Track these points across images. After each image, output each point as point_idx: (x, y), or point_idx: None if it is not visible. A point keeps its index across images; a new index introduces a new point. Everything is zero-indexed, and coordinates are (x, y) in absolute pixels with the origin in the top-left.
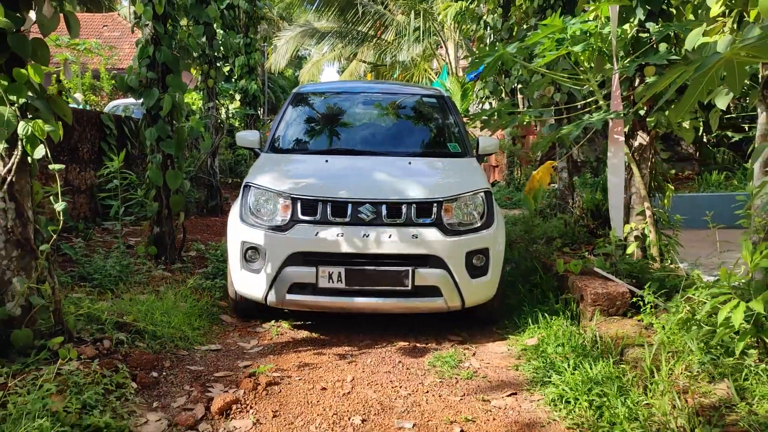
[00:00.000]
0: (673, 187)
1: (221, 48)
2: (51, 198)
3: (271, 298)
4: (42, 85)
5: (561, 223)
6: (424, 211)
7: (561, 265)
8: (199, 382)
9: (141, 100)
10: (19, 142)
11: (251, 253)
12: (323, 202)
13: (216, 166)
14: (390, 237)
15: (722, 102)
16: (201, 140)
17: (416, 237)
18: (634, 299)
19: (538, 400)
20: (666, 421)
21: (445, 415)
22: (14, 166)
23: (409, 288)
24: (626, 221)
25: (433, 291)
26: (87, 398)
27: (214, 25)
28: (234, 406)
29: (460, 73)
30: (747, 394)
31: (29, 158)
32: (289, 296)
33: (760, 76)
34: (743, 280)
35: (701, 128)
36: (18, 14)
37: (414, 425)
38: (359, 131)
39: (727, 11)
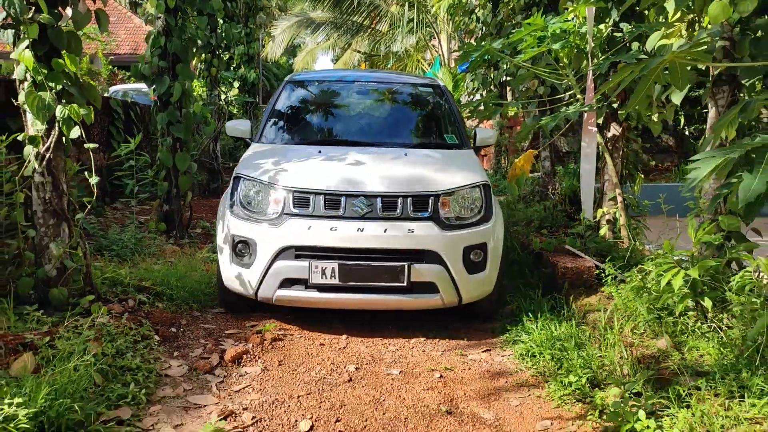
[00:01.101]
0: (642, 176)
1: (223, 38)
2: (86, 173)
3: (262, 293)
4: (76, 74)
5: (541, 208)
6: (421, 205)
7: (537, 244)
8: (213, 337)
9: (139, 86)
10: (57, 124)
11: (241, 247)
12: (316, 195)
13: (218, 151)
14: (385, 231)
15: (676, 98)
16: (204, 126)
17: (412, 231)
18: (598, 272)
19: (509, 355)
20: (613, 369)
21: (427, 365)
22: (52, 145)
23: (405, 284)
24: (599, 206)
25: (430, 287)
26: (119, 345)
27: (217, 16)
28: (244, 356)
29: (452, 65)
30: (682, 346)
31: (64, 138)
32: (280, 292)
33: (711, 75)
34: (687, 255)
35: (682, 122)
36: (56, 11)
37: (400, 372)
38: (354, 121)
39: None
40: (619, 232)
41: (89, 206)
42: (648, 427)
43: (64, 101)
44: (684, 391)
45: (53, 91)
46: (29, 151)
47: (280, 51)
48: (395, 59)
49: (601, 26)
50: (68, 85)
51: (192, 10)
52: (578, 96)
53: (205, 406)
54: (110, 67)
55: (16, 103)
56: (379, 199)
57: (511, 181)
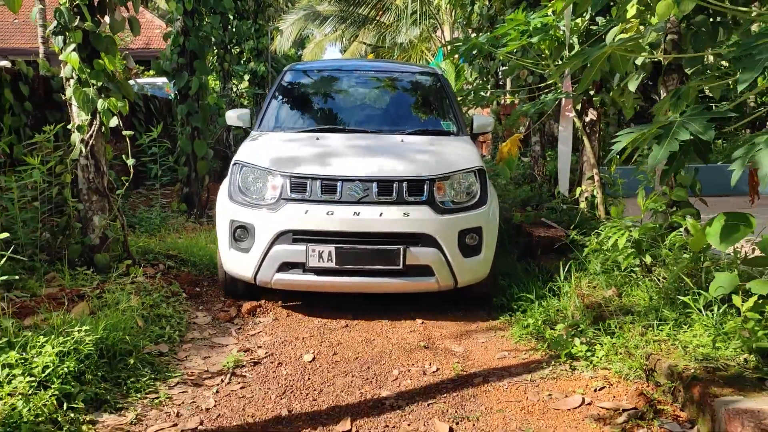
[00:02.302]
0: (618, 157)
1: (234, 34)
2: (123, 156)
3: (261, 277)
4: (113, 72)
5: (528, 189)
6: (416, 189)
7: (517, 217)
8: (230, 296)
9: (153, 80)
10: (98, 115)
11: (240, 232)
12: (313, 180)
13: (231, 140)
14: (381, 215)
15: (632, 85)
16: (218, 116)
17: (407, 215)
18: (570, 239)
19: (484, 308)
20: (566, 314)
21: (411, 315)
22: (94, 132)
23: (401, 267)
24: (578, 185)
25: (425, 270)
26: (155, 298)
27: (228, 14)
28: (258, 309)
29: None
30: (625, 295)
31: (104, 127)
32: (278, 275)
33: (663, 65)
34: (636, 219)
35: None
36: (96, 19)
37: (389, 320)
38: (352, 109)
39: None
40: (596, 208)
41: (126, 184)
42: (581, 351)
43: (103, 95)
44: (614, 326)
45: (95, 86)
46: (76, 137)
47: (288, 44)
48: (400, 50)
49: (578, 20)
50: (107, 81)
51: (207, 10)
52: (558, 84)
53: (226, 345)
54: (124, 62)
55: (64, 98)
56: (374, 184)
57: (500, 164)
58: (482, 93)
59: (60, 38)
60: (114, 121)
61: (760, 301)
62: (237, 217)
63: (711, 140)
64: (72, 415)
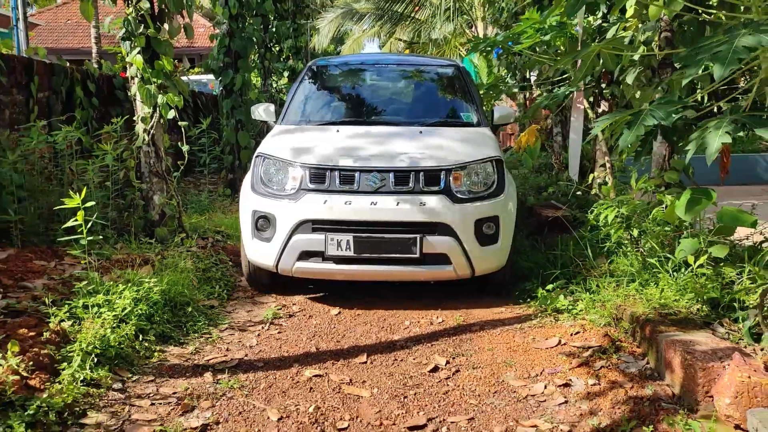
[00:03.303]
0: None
1: (274, 33)
2: (178, 144)
3: (282, 265)
4: (170, 71)
5: (546, 177)
6: (432, 179)
7: (530, 200)
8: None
9: (198, 77)
10: (158, 109)
11: (262, 222)
12: (331, 171)
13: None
14: (398, 204)
15: (629, 78)
16: None
17: (424, 204)
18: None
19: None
20: (559, 277)
21: (424, 283)
22: (155, 124)
23: (417, 256)
24: (592, 171)
25: (442, 259)
26: (206, 264)
27: (269, 16)
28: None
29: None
30: (613, 264)
31: (162, 119)
32: (298, 264)
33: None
34: (628, 198)
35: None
36: (157, 25)
37: (403, 285)
38: (372, 102)
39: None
40: (608, 193)
41: (182, 167)
42: (564, 305)
43: (162, 92)
44: (594, 285)
45: (155, 84)
46: (139, 128)
47: (326, 41)
48: (434, 46)
49: (590, 18)
50: (165, 79)
51: (250, 14)
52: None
53: (266, 302)
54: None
55: (130, 95)
56: (391, 174)
57: (519, 154)
58: (501, 86)
59: (127, 43)
60: (171, 114)
61: (721, 265)
62: (259, 207)
63: (670, 125)
64: (146, 344)
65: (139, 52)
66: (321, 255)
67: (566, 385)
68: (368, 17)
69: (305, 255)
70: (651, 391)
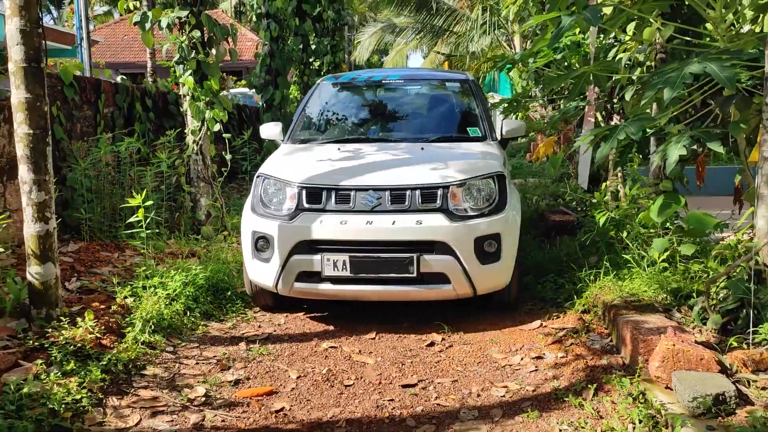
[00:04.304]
0: (641, 156)
1: (313, 51)
2: (222, 153)
3: (281, 286)
4: (216, 90)
5: (564, 186)
6: (430, 197)
7: (542, 206)
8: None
9: (244, 90)
10: (205, 122)
11: (261, 243)
12: (327, 190)
13: None
14: (393, 223)
15: (628, 95)
16: None
17: (420, 223)
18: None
19: None
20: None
21: None
22: (203, 135)
23: (415, 275)
24: (604, 180)
25: (441, 278)
26: None
27: (308, 36)
28: None
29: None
30: (601, 261)
31: (209, 131)
32: (296, 285)
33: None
34: (622, 204)
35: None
36: (206, 51)
37: None
38: (376, 119)
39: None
40: (620, 201)
41: (225, 173)
42: (551, 295)
43: (209, 108)
44: (578, 279)
45: (204, 101)
46: (190, 139)
47: (367, 54)
48: (472, 59)
49: (601, 36)
50: (212, 97)
51: (290, 35)
52: (586, 93)
53: None
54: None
55: (182, 110)
56: (387, 192)
57: (537, 164)
58: (522, 100)
59: (180, 66)
60: (217, 127)
61: (690, 263)
62: (258, 228)
63: (639, 139)
64: (192, 319)
65: (190, 74)
66: (318, 275)
67: (539, 357)
68: (407, 31)
69: (303, 276)
70: (606, 361)
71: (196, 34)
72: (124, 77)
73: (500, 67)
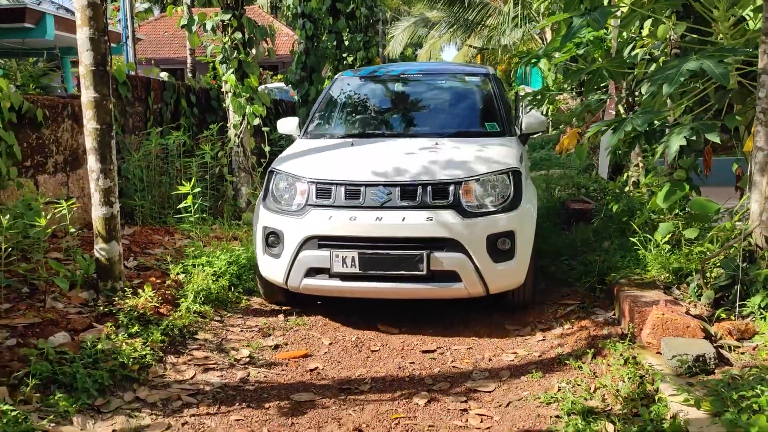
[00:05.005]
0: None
1: (346, 47)
2: (261, 145)
3: (290, 282)
4: (256, 87)
5: (589, 176)
6: (441, 193)
7: (564, 195)
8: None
9: (281, 85)
10: (246, 117)
11: (272, 238)
12: (337, 185)
13: None
14: (403, 220)
15: (644, 89)
16: None
17: (431, 220)
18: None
19: None
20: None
21: None
22: (243, 129)
23: (425, 273)
24: (627, 170)
25: (452, 276)
26: None
27: (342, 33)
28: None
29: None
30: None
31: (249, 125)
32: (306, 281)
33: None
34: (636, 192)
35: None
36: (247, 50)
37: None
38: (392, 114)
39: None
40: (641, 190)
41: (264, 164)
42: (563, 275)
43: (249, 103)
44: (589, 259)
45: (244, 97)
46: (231, 132)
47: (399, 48)
48: (504, 52)
49: (624, 33)
50: (252, 93)
51: (324, 33)
52: (608, 87)
53: None
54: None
55: (224, 105)
56: (398, 188)
57: (563, 155)
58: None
59: (223, 66)
60: (256, 121)
61: (694, 245)
62: (268, 223)
63: (644, 131)
64: (236, 294)
65: (232, 72)
66: (328, 272)
67: (547, 329)
68: (439, 25)
69: (312, 272)
70: (607, 332)
71: (238, 35)
72: (168, 74)
73: (525, 62)
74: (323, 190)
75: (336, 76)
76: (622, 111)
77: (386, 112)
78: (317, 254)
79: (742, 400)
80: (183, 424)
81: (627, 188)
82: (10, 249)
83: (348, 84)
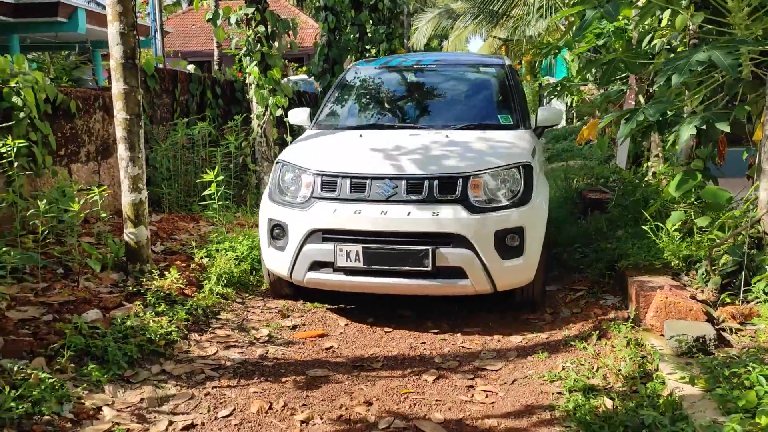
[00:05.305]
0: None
1: (369, 39)
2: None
3: (295, 275)
4: (278, 79)
5: (607, 167)
6: (448, 187)
7: (581, 185)
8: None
9: (304, 76)
10: (268, 108)
11: (277, 231)
12: (342, 178)
13: None
14: (409, 214)
15: (661, 79)
16: None
17: (437, 214)
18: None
19: None
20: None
21: None
22: (266, 120)
23: (430, 269)
24: (647, 160)
25: (457, 272)
26: None
27: (365, 25)
28: None
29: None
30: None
31: (272, 116)
32: (310, 274)
33: None
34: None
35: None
36: (270, 43)
37: None
38: (404, 105)
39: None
40: (660, 180)
41: None
42: (575, 262)
43: (272, 95)
44: (601, 247)
45: (267, 89)
46: (255, 123)
47: (424, 40)
48: (529, 43)
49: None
50: (275, 85)
51: (347, 25)
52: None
53: None
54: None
55: (247, 97)
56: (403, 182)
57: (584, 146)
58: (566, 84)
59: (247, 58)
60: (279, 112)
61: (705, 233)
62: (274, 215)
63: (656, 120)
64: (257, 278)
65: (255, 65)
66: (332, 266)
67: (556, 313)
68: (463, 16)
69: (316, 265)
70: (613, 315)
71: (261, 29)
72: (195, 66)
73: (545, 53)
74: (328, 183)
75: (349, 66)
76: (642, 101)
77: (397, 103)
78: (321, 248)
79: (735, 377)
80: (206, 395)
81: (646, 178)
82: (46, 233)
83: (361, 74)
